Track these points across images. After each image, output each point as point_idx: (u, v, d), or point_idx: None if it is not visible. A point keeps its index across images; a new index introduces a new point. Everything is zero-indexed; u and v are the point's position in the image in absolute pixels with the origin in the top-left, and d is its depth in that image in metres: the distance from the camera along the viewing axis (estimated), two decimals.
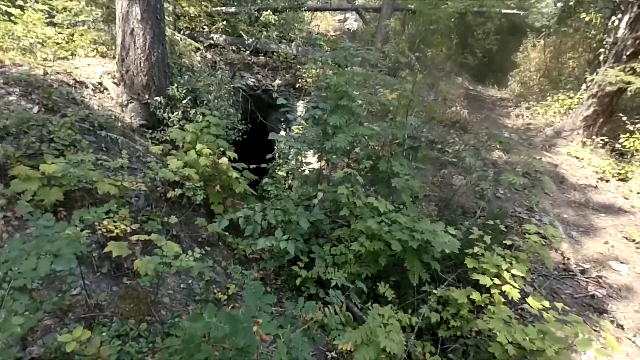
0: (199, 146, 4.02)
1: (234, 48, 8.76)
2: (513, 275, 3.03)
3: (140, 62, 4.79)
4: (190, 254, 2.56)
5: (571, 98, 9.14)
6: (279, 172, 6.22)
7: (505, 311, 3.03)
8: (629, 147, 6.96)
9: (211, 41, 8.33)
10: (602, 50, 8.81)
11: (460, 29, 15.42)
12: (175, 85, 5.11)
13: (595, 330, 3.70)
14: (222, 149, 4.22)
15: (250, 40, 8.79)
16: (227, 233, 4.36)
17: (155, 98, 4.92)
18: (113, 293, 2.67)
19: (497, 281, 3.02)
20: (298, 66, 8.53)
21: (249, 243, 3.99)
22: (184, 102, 5.05)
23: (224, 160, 4.03)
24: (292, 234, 3.71)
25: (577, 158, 7.09)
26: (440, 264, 3.49)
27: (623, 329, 3.80)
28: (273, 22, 8.75)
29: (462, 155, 5.05)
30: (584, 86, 9.15)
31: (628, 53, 6.91)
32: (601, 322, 3.62)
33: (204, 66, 6.80)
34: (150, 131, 4.74)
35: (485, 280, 3.04)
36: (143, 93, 4.88)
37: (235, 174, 4.18)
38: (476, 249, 3.13)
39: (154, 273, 2.34)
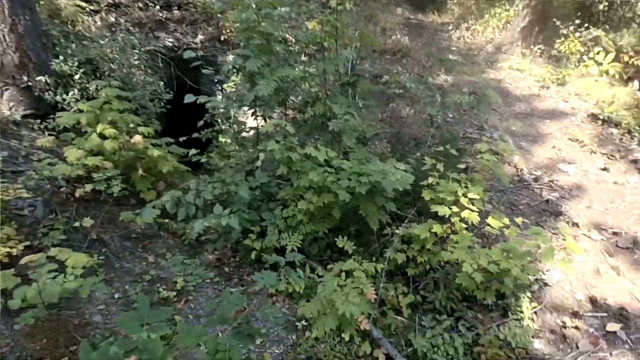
0: (99, 127, 3.33)
1: (140, 5, 7.46)
2: (471, 200, 2.86)
3: (3, 36, 3.79)
4: (71, 272, 2.04)
5: (507, 11, 8.92)
6: (222, 140, 5.61)
7: (467, 237, 2.92)
8: (564, 52, 7.00)
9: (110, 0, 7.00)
10: None
11: None
12: (62, 57, 4.18)
13: (554, 234, 3.76)
14: (132, 125, 3.54)
15: None
16: (166, 220, 3.88)
17: (38, 78, 4.01)
18: (14, 333, 2.17)
19: (455, 208, 2.85)
20: (220, 15, 7.48)
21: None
22: (76, 77, 4.17)
23: (137, 138, 3.40)
24: (236, 206, 3.30)
25: (519, 70, 7.03)
26: (397, 202, 3.27)
27: (578, 226, 3.91)
28: None
29: (407, 84, 4.71)
30: None
31: None
32: (559, 225, 3.67)
33: (105, 31, 5.70)
34: (39, 121, 3.90)
35: (443, 211, 2.86)
36: (19, 75, 3.95)
37: (156, 152, 3.58)
38: (431, 180, 2.91)
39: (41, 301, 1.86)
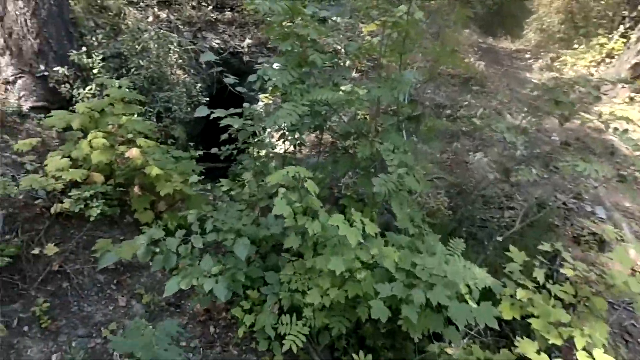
0: (90, 135, 2.74)
1: (193, 3, 7.17)
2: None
3: (25, 20, 3.41)
4: None
5: (615, 42, 7.42)
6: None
7: None
8: None
9: None
10: None
11: None
12: (85, 48, 3.75)
13: None
14: (131, 135, 2.92)
15: None
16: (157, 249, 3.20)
17: (56, 69, 3.58)
18: None
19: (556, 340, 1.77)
20: (268, 19, 6.96)
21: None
22: (94, 71, 3.70)
23: (134, 152, 2.75)
24: (231, 260, 2.50)
25: (626, 120, 5.59)
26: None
27: None
28: None
29: (479, 122, 3.67)
30: (621, 27, 7.48)
31: None
32: None
33: (152, 27, 5.34)
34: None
35: (554, 339, 1.76)
36: (37, 63, 3.55)
37: (156, 170, 2.91)
38: (520, 293, 1.85)
39: None
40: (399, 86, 2.20)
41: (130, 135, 2.88)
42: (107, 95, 2.93)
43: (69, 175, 2.54)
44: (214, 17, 6.99)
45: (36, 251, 2.43)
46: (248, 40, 6.88)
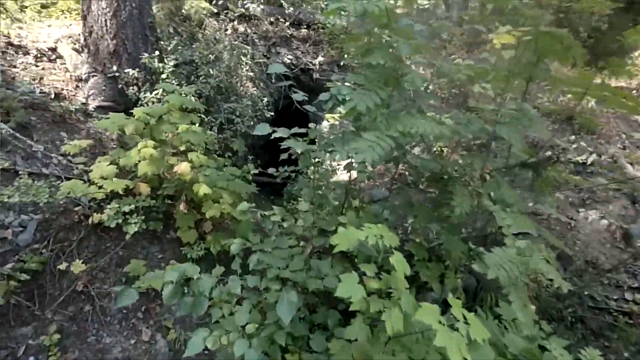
0: (141, 144, 2.47)
1: (271, 19, 7.17)
2: None
3: (105, 21, 3.40)
4: None
5: None
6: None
7: None
8: None
9: (243, 10, 6.82)
10: None
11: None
12: (157, 53, 3.65)
13: None
14: (182, 146, 2.62)
15: (292, 9, 7.14)
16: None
17: (127, 70, 3.51)
18: None
19: None
20: (343, 37, 6.66)
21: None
22: (163, 75, 3.57)
23: (182, 168, 2.43)
24: (270, 314, 2.00)
25: None
26: None
27: None
28: None
29: (600, 172, 2.82)
30: None
31: None
32: None
33: (230, 38, 5.31)
34: None
35: None
36: (110, 63, 3.51)
37: (204, 189, 2.56)
38: None
39: None
40: (526, 122, 1.56)
41: (183, 147, 2.58)
42: (167, 101, 2.69)
43: (110, 185, 2.27)
44: (290, 33, 6.89)
45: (62, 266, 2.15)
46: (320, 58, 6.64)
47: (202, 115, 4.17)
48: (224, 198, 2.93)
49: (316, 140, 2.78)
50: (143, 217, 2.51)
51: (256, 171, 4.41)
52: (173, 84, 3.71)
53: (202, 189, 2.59)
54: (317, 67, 6.61)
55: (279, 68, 2.44)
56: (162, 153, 2.51)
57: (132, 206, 2.42)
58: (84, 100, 3.33)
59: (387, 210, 2.82)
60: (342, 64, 6.35)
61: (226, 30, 6.36)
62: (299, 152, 2.27)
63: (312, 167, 2.70)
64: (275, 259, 2.26)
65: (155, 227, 2.91)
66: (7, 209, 2.08)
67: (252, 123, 4.52)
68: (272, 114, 5.47)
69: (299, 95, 2.74)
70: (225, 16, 6.52)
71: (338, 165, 5.43)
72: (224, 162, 4.16)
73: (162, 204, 3.03)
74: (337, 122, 4.83)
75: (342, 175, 5.55)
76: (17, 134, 2.39)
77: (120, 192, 2.34)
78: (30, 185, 2.08)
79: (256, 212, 3.74)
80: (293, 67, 6.69)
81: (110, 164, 2.47)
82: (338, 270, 2.41)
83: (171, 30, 4.40)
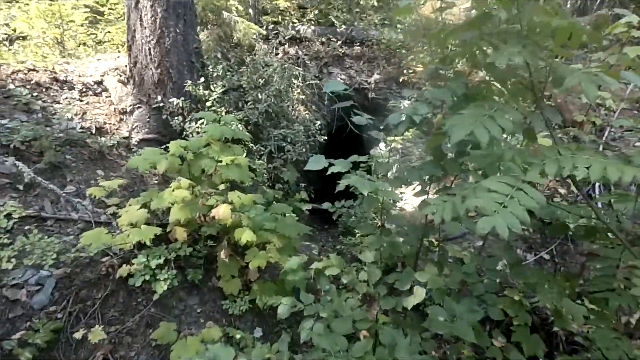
0: (174, 184, 2.08)
1: (323, 39, 6.88)
2: None
3: (149, 49, 3.22)
4: None
5: None
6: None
7: None
8: None
9: (294, 32, 6.62)
10: None
11: None
12: (202, 80, 3.39)
13: None
14: (223, 184, 2.18)
15: (343, 27, 6.80)
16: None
17: (172, 100, 3.28)
18: None
19: None
20: (404, 52, 6.07)
21: None
22: (207, 103, 3.27)
23: (222, 212, 1.98)
24: None
25: None
26: None
27: None
28: (375, 3, 6.64)
29: None
30: None
31: None
32: None
33: (272, 60, 5.05)
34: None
35: None
36: (155, 93, 3.31)
37: (247, 235, 2.09)
38: None
39: None
40: None
41: (222, 187, 2.14)
42: (205, 132, 2.31)
43: (137, 235, 1.88)
44: (342, 52, 6.50)
45: (79, 334, 1.77)
46: (376, 76, 6.12)
47: (251, 144, 3.82)
48: (272, 242, 2.43)
49: (378, 172, 2.20)
50: (178, 269, 2.08)
51: (309, 206, 3.92)
52: (218, 112, 3.41)
53: (245, 236, 2.11)
54: (373, 85, 6.09)
55: (336, 85, 1.92)
56: (198, 193, 2.09)
57: (163, 259, 2.01)
58: (126, 134, 3.13)
59: (478, 263, 2.08)
60: (401, 80, 5.75)
61: (277, 53, 6.17)
62: (364, 194, 1.68)
63: (378, 208, 2.09)
64: (333, 338, 1.66)
65: (194, 277, 2.49)
66: (24, 265, 1.78)
67: (304, 150, 4.07)
68: (325, 137, 5.02)
69: (361, 119, 2.19)
70: (275, 39, 6.35)
71: (401, 194, 4.73)
72: (274, 194, 3.73)
73: (202, 246, 2.62)
74: (399, 146, 4.18)
75: (405, 205, 4.83)
76: (38, 177, 2.15)
77: (148, 243, 1.94)
78: (37, 240, 1.77)
79: (309, 247, 3.21)
80: (347, 86, 6.26)
81: (142, 207, 2.11)
82: (415, 343, 1.73)
83: (219, 56, 4.20)
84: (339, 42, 6.61)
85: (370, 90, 6.13)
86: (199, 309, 2.56)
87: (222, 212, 1.96)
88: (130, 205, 2.14)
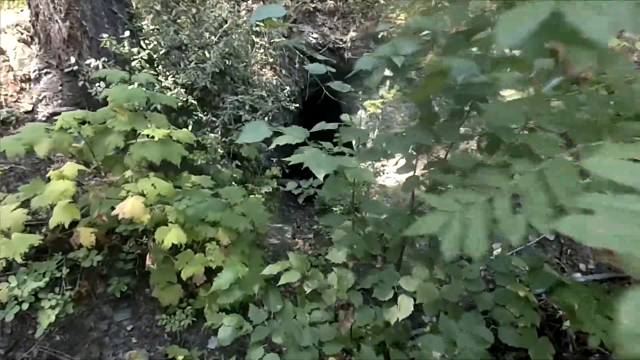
0: (54, 173, 1.47)
1: None
2: None
3: None
4: None
5: None
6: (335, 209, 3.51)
7: None
8: None
9: None
10: None
11: None
12: (128, 34, 2.67)
13: None
14: (133, 174, 1.58)
15: None
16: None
17: (89, 62, 2.57)
18: None
19: None
20: (383, 5, 5.35)
21: None
22: (134, 63, 2.58)
23: (129, 207, 1.40)
24: None
25: None
26: None
27: None
28: None
29: None
30: None
31: None
32: None
33: (226, 14, 4.26)
34: None
35: None
36: (66, 54, 2.58)
37: (172, 238, 1.52)
38: None
39: None
40: None
41: (129, 177, 1.54)
42: (106, 97, 1.67)
43: (7, 250, 1.29)
44: (313, 7, 5.70)
45: None
46: (352, 33, 5.39)
47: (201, 114, 3.17)
48: (215, 239, 1.88)
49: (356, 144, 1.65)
50: (92, 279, 1.52)
51: (275, 184, 3.37)
52: (153, 73, 2.72)
53: (170, 237, 1.54)
54: (349, 44, 5.39)
55: (318, 68, 1.34)
56: (92, 188, 1.49)
57: (47, 278, 1.43)
58: (30, 108, 2.43)
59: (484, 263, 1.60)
60: (380, 36, 5.07)
61: (238, 10, 5.34)
62: (319, 176, 1.13)
63: (351, 194, 1.55)
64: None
65: (117, 288, 1.94)
66: None
67: (267, 119, 3.44)
68: (297, 105, 4.40)
69: (338, 84, 1.60)
70: None
71: (383, 167, 4.21)
72: (230, 173, 3.15)
73: (133, 246, 2.06)
74: (379, 111, 3.58)
75: (387, 180, 4.31)
76: None
77: (19, 260, 1.35)
78: None
79: (282, 230, 2.72)
80: (320, 46, 5.53)
81: (20, 206, 1.51)
82: None
83: (158, 9, 3.42)
84: None
85: (346, 49, 5.44)
86: (129, 325, 2.04)
87: (130, 208, 1.38)
88: (5, 204, 1.52)
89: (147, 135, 1.60)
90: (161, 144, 1.67)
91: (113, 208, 1.44)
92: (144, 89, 1.77)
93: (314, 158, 1.18)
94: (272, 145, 1.27)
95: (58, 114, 2.58)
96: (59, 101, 2.59)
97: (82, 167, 1.51)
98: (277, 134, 1.36)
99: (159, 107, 2.34)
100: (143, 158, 1.57)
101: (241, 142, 1.30)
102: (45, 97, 2.55)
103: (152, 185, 1.50)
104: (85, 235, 1.62)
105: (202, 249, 1.78)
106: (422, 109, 1.48)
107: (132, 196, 1.44)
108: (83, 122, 1.65)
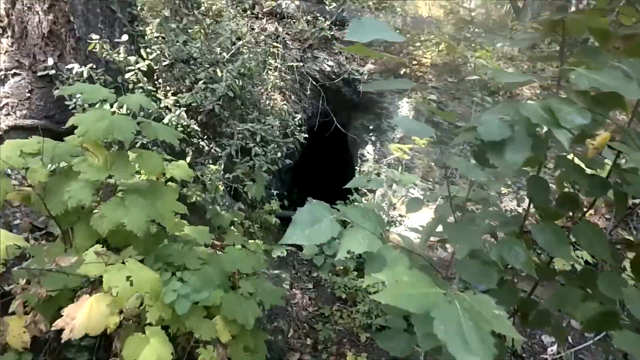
0: None
1: (308, 18, 5.68)
2: None
3: None
4: None
5: None
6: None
7: None
8: None
9: (273, 3, 5.40)
10: None
11: None
12: (126, 38, 2.16)
13: None
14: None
15: (333, 5, 5.69)
16: None
17: (71, 66, 2.03)
18: None
19: None
20: (405, 42, 5.06)
21: None
22: (128, 75, 2.06)
23: (81, 322, 0.84)
24: None
25: None
26: None
27: None
28: None
29: None
30: None
31: None
32: None
33: (239, 27, 3.83)
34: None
35: None
36: (44, 53, 2.05)
37: (153, 350, 0.95)
38: None
39: None
40: None
41: (99, 256, 0.98)
42: (75, 128, 1.14)
43: None
44: (331, 34, 5.35)
45: None
46: (370, 66, 5.05)
47: (201, 142, 2.64)
48: (213, 336, 1.31)
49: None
50: None
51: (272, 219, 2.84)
52: (146, 90, 2.19)
53: (147, 354, 0.97)
54: (365, 76, 5.03)
55: (373, 30, 0.85)
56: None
57: None
58: None
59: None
60: (401, 72, 4.72)
61: (252, 28, 4.95)
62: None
63: None
64: None
65: None
66: None
67: (279, 155, 2.92)
68: (306, 135, 3.92)
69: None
70: (252, 13, 5.13)
71: (400, 217, 3.65)
72: (231, 218, 2.58)
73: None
74: (407, 157, 3.05)
75: (406, 232, 3.80)
76: None
77: None
78: None
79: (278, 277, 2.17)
80: (334, 76, 5.15)
81: None
82: None
83: (167, 14, 2.95)
84: (328, 23, 5.45)
85: (362, 82, 5.08)
86: None
87: (83, 320, 0.82)
88: None
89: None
90: (148, 200, 1.13)
91: (60, 309, 0.87)
92: (136, 119, 1.24)
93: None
94: (340, 254, 0.75)
95: (20, 127, 2.01)
96: (24, 112, 2.02)
97: (16, 240, 0.95)
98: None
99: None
100: (119, 225, 1.01)
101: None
102: (7, 104, 1.98)
103: (128, 279, 0.93)
104: (16, 332, 1.03)
105: (189, 355, 1.21)
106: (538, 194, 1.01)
107: (90, 296, 0.87)
108: (37, 154, 1.10)
